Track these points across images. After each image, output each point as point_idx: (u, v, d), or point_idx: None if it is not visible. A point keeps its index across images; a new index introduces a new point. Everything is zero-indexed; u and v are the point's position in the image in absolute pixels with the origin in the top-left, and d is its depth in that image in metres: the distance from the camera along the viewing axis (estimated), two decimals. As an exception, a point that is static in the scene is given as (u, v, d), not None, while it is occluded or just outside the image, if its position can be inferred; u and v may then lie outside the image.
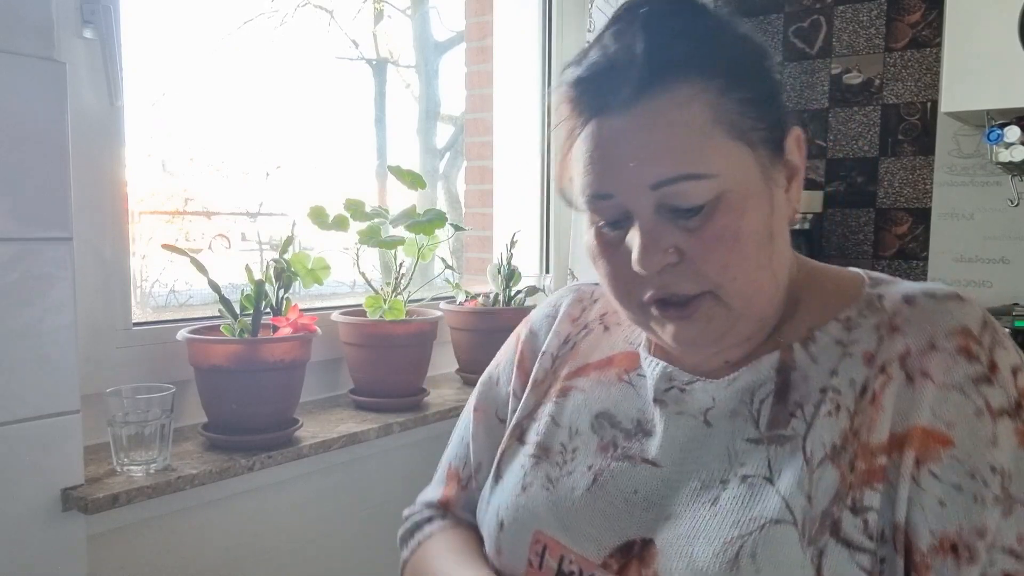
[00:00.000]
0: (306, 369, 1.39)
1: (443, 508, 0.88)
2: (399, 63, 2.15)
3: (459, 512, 0.87)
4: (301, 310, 1.40)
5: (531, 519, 0.73)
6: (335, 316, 1.55)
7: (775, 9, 2.16)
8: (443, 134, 2.38)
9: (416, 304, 1.68)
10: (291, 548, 1.41)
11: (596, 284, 0.86)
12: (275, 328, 1.37)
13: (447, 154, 2.40)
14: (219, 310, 1.35)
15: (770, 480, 0.63)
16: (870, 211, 2.06)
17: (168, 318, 1.48)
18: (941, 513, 0.59)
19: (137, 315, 1.40)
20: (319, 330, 1.39)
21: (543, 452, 0.77)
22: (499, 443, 0.83)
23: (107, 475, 1.16)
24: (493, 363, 0.91)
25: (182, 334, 1.33)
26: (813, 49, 2.12)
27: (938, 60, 1.89)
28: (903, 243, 2.02)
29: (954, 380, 0.61)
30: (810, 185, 2.03)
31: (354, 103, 2.07)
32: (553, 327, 0.86)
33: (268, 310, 1.38)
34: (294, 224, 1.46)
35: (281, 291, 1.39)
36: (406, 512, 0.92)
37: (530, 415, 0.81)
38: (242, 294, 1.36)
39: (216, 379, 1.32)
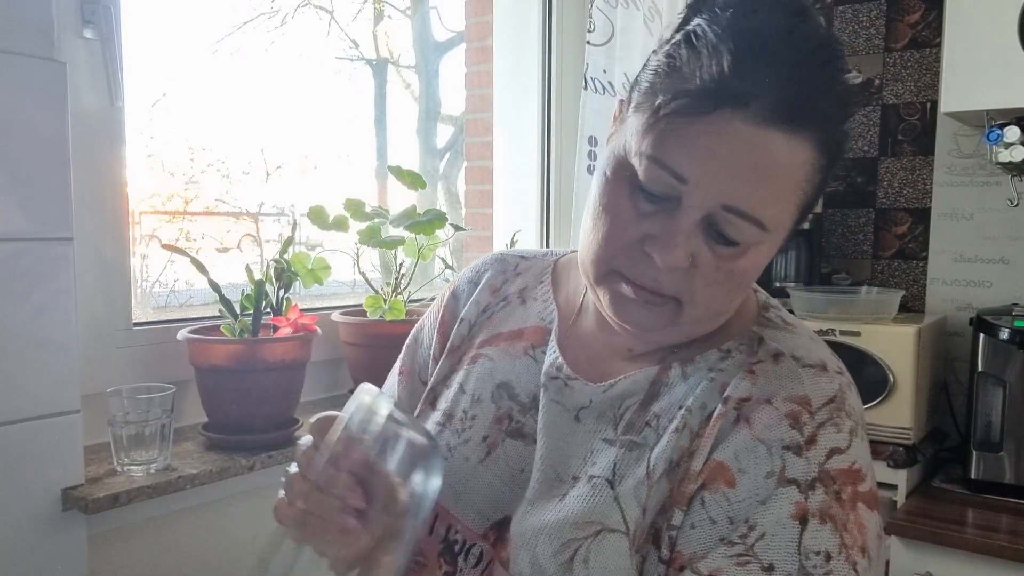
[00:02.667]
0: (306, 369, 1.39)
1: None
2: (399, 63, 2.15)
3: None
4: (301, 310, 1.40)
5: None
6: (335, 316, 1.55)
7: (775, 9, 2.17)
8: (443, 134, 2.38)
9: (416, 304, 1.68)
10: (291, 548, 1.41)
11: (521, 257, 0.88)
12: (275, 328, 1.37)
13: (447, 154, 2.40)
14: (219, 310, 1.35)
15: (611, 484, 0.67)
16: (870, 211, 2.06)
17: (168, 318, 1.48)
18: (689, 535, 0.63)
19: (137, 315, 1.40)
20: (319, 330, 1.39)
21: (447, 419, 0.79)
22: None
23: (107, 475, 1.16)
24: (418, 325, 0.91)
25: (182, 334, 1.33)
26: (813, 49, 2.12)
27: (938, 60, 1.89)
28: (903, 243, 2.02)
29: (768, 437, 0.63)
30: (810, 185, 2.03)
31: (354, 103, 2.07)
32: (474, 295, 0.86)
33: (268, 310, 1.38)
34: (294, 224, 1.46)
35: (281, 291, 1.39)
36: None
37: (444, 381, 0.83)
38: (242, 294, 1.36)
39: (216, 379, 1.32)
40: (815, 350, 0.70)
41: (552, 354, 0.77)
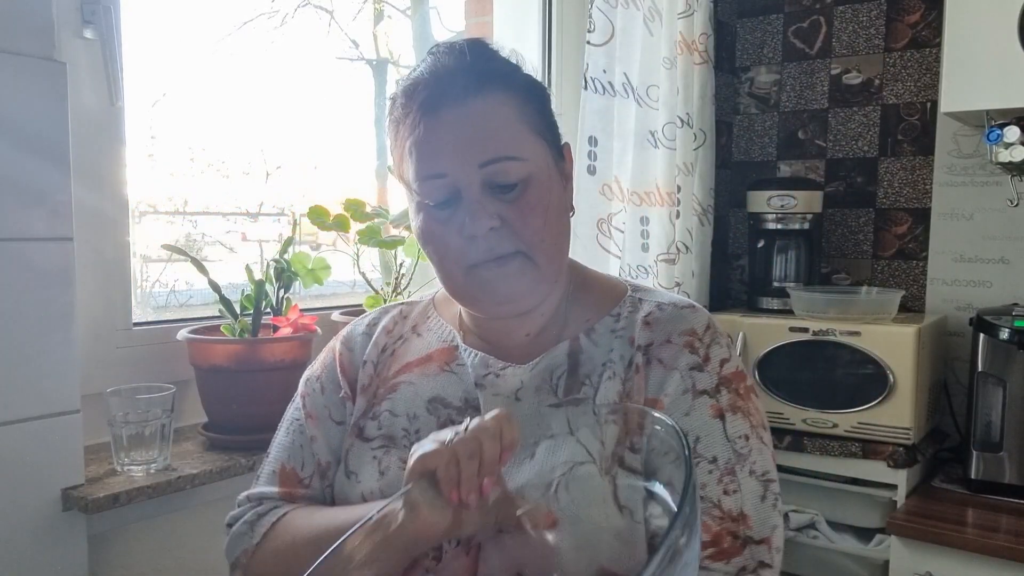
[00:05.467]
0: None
1: (287, 500, 0.92)
2: (399, 63, 2.15)
3: (306, 505, 0.91)
4: (301, 310, 1.40)
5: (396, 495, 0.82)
6: (335, 316, 1.55)
7: (775, 9, 2.17)
8: (443, 134, 2.37)
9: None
10: (291, 548, 1.41)
11: (404, 304, 1.02)
12: (275, 328, 1.37)
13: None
14: (219, 310, 1.35)
15: (571, 433, 0.79)
16: (870, 211, 2.06)
17: (168, 318, 1.48)
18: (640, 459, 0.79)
19: (137, 315, 1.40)
20: (319, 330, 1.39)
21: (389, 441, 0.88)
22: (339, 443, 0.93)
23: (107, 475, 1.16)
24: (312, 375, 0.99)
25: (182, 334, 1.33)
26: (813, 49, 2.12)
27: (938, 60, 1.89)
28: (903, 243, 2.02)
29: (676, 365, 0.82)
30: (810, 185, 2.03)
31: (354, 103, 2.07)
32: (372, 339, 0.96)
33: (268, 310, 1.39)
34: (295, 224, 1.46)
35: (281, 291, 1.40)
36: (233, 513, 0.94)
37: (365, 415, 0.91)
38: (242, 294, 1.36)
39: (216, 379, 1.32)
40: (680, 297, 0.91)
41: (472, 356, 0.89)
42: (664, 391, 0.82)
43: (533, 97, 0.85)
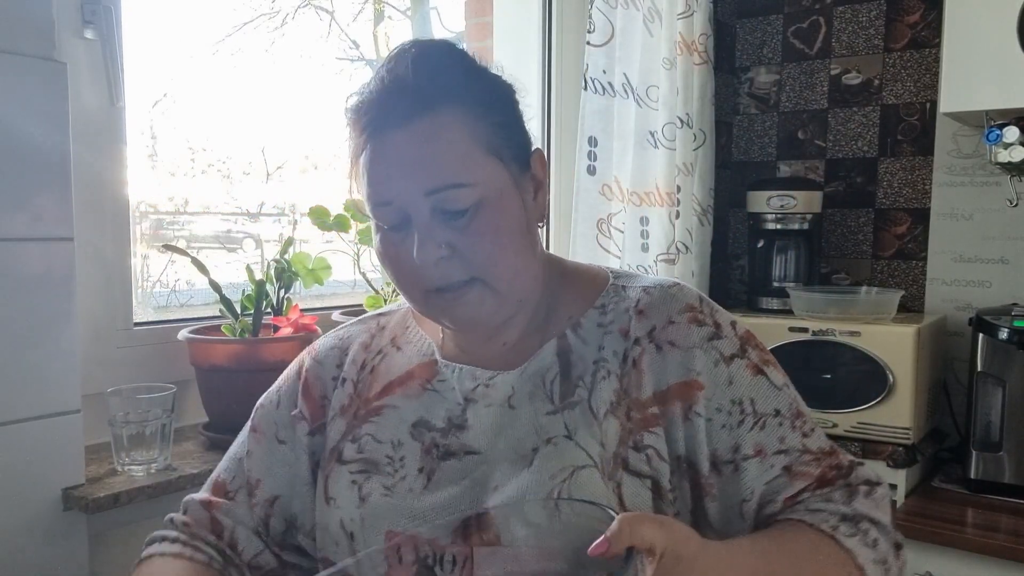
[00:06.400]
0: (306, 369, 1.39)
1: (205, 507, 0.93)
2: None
3: (219, 516, 0.92)
4: (302, 310, 1.40)
5: (380, 522, 0.81)
6: (336, 316, 1.55)
7: (774, 10, 2.17)
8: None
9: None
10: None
11: (379, 314, 0.98)
12: (276, 328, 1.37)
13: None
14: (220, 310, 1.35)
15: (570, 437, 0.78)
16: (869, 211, 2.06)
17: (169, 318, 1.48)
18: (704, 442, 0.78)
19: (138, 315, 1.40)
20: (320, 330, 1.39)
21: (371, 467, 0.85)
22: (280, 463, 0.91)
23: (108, 475, 1.17)
24: (274, 387, 0.97)
25: (183, 334, 1.33)
26: (812, 50, 2.12)
27: (937, 60, 1.89)
28: (902, 243, 2.02)
29: (693, 342, 0.79)
30: (809, 185, 2.03)
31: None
32: (349, 356, 0.93)
33: (269, 310, 1.39)
34: (295, 224, 1.46)
35: (282, 291, 1.40)
36: (170, 515, 0.95)
37: (344, 437, 0.88)
38: (243, 294, 1.37)
39: (217, 379, 1.32)
40: (663, 277, 0.88)
41: (454, 372, 0.86)
42: (692, 370, 0.79)
43: (492, 109, 0.80)
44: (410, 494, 0.81)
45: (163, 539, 0.92)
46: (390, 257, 0.81)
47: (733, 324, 0.83)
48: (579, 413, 0.79)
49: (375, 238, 0.82)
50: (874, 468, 0.85)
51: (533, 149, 0.85)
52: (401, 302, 0.98)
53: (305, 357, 0.96)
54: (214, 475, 0.96)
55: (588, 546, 0.68)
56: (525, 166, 0.83)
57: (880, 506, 0.78)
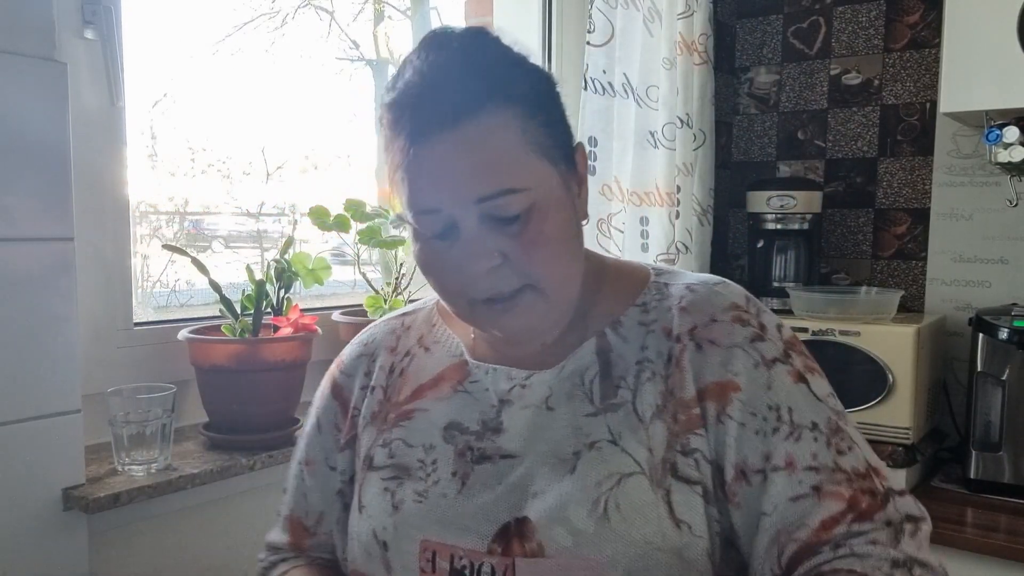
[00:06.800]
0: (307, 369, 1.40)
1: (295, 550, 0.92)
2: (399, 64, 2.15)
3: (313, 554, 0.92)
4: (302, 310, 1.40)
5: (414, 531, 0.78)
6: (336, 316, 1.55)
7: (774, 10, 2.17)
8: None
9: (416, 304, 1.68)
10: (291, 548, 1.41)
11: (402, 314, 0.95)
12: (276, 328, 1.37)
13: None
14: (220, 310, 1.35)
15: (614, 442, 0.74)
16: (869, 211, 2.06)
17: (169, 318, 1.48)
18: (733, 447, 0.73)
19: (138, 315, 1.40)
20: (320, 330, 1.39)
21: (403, 472, 0.82)
22: (334, 490, 0.90)
23: (108, 475, 1.16)
24: (311, 412, 0.95)
25: (183, 334, 1.33)
26: (812, 50, 2.12)
27: (937, 61, 1.89)
28: (902, 243, 2.02)
29: (735, 341, 0.76)
30: (809, 185, 2.03)
31: (354, 103, 2.07)
32: (378, 362, 0.90)
33: (269, 310, 1.39)
34: (295, 224, 1.46)
35: (282, 291, 1.40)
36: (260, 555, 0.95)
37: (375, 443, 0.85)
38: (243, 294, 1.36)
39: (217, 379, 1.32)
40: (706, 275, 0.84)
41: (487, 372, 0.83)
42: (731, 370, 0.74)
43: (539, 107, 0.75)
44: (444, 499, 0.78)
45: (282, 560, 0.92)
46: (434, 267, 0.76)
47: (779, 327, 0.79)
48: (623, 416, 0.75)
49: (414, 246, 0.77)
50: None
51: (576, 144, 0.81)
52: (426, 300, 0.96)
53: (334, 371, 0.94)
54: (286, 512, 0.94)
55: (641, 559, 0.69)
56: (571, 164, 0.79)
57: (924, 545, 0.72)
